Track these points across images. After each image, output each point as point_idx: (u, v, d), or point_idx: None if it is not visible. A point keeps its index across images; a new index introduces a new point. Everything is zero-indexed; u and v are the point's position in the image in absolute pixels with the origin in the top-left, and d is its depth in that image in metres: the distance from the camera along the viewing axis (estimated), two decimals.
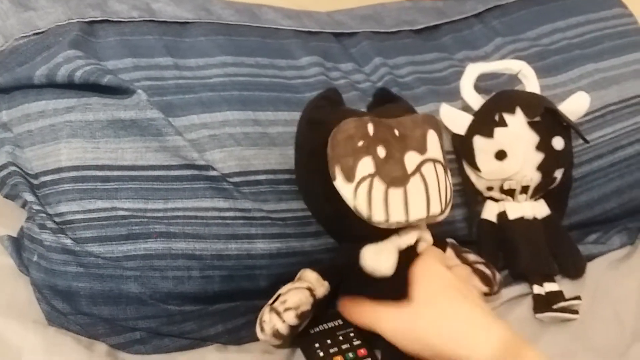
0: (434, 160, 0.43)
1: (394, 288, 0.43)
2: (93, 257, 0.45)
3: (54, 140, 0.47)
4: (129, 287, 0.45)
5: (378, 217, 0.40)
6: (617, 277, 0.56)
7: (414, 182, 0.41)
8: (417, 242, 0.45)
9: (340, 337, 0.47)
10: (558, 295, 0.53)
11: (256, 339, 0.49)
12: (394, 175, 0.41)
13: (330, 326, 0.49)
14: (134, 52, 0.53)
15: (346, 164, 0.40)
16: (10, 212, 0.52)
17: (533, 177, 0.55)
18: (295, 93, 0.56)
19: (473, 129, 0.55)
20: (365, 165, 0.40)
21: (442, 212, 0.43)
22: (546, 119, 0.54)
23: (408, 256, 0.44)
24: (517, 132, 0.54)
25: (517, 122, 0.54)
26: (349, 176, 0.40)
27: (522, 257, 0.54)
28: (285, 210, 0.49)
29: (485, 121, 0.55)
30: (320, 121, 0.44)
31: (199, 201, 0.47)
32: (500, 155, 0.54)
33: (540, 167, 0.54)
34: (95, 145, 0.47)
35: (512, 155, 0.54)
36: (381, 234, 0.43)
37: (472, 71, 0.58)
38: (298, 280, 0.46)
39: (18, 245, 0.49)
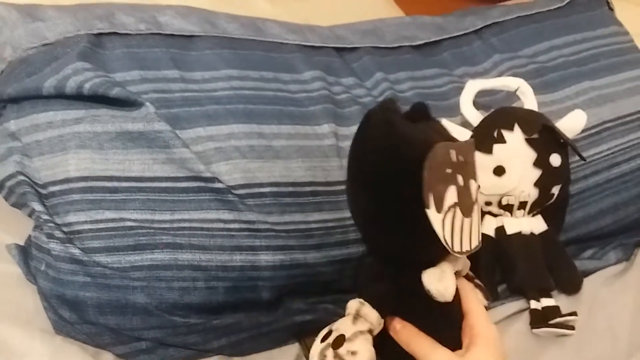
0: (479, 187, 0.42)
1: (450, 318, 0.42)
2: (100, 267, 0.45)
3: (62, 151, 0.48)
4: (136, 298, 0.45)
5: (457, 246, 0.39)
6: (613, 293, 0.57)
7: (475, 212, 0.41)
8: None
9: None
10: (555, 311, 0.54)
11: (258, 351, 0.50)
12: (466, 204, 0.40)
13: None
14: (141, 64, 0.54)
15: (438, 192, 0.38)
16: (17, 220, 0.52)
17: (531, 193, 0.56)
18: (299, 107, 0.57)
19: None
20: (452, 195, 0.39)
21: (479, 243, 0.42)
22: (544, 136, 0.56)
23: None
24: (515, 149, 0.55)
25: (515, 138, 0.55)
26: (439, 206, 0.38)
27: (520, 271, 0.55)
28: (289, 222, 0.50)
29: (484, 137, 0.56)
30: (405, 140, 0.40)
31: (204, 213, 0.48)
32: (499, 171, 0.55)
33: (537, 184, 0.56)
34: (103, 157, 0.48)
35: (510, 171, 0.55)
36: (441, 258, 0.42)
37: (472, 88, 0.59)
38: (358, 317, 0.41)
39: (25, 253, 0.50)
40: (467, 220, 0.40)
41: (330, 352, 0.39)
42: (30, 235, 0.50)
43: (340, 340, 0.40)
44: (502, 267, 0.57)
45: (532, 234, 0.57)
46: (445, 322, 0.42)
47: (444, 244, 0.39)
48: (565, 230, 0.61)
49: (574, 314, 0.53)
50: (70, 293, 0.46)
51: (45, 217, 0.47)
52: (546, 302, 0.55)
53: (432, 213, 0.38)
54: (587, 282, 0.58)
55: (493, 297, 0.56)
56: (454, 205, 0.39)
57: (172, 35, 0.58)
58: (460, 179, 0.40)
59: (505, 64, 0.69)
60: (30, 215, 0.51)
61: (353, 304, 0.42)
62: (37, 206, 0.48)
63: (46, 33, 0.54)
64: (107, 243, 0.46)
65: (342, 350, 0.39)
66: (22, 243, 0.51)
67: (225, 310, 0.49)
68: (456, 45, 0.71)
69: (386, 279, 0.43)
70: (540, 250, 0.57)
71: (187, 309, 0.47)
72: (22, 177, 0.49)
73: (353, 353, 0.39)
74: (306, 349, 0.49)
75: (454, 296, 0.42)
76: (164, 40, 0.57)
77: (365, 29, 0.70)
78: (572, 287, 0.58)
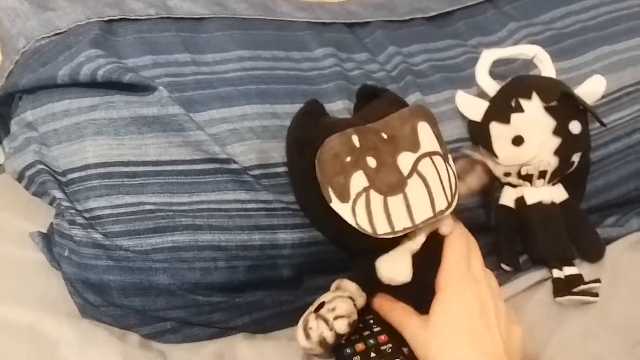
0: (430, 154, 0.41)
1: (417, 294, 0.43)
2: (123, 250, 0.46)
3: (79, 139, 0.48)
4: (159, 279, 0.46)
5: (382, 229, 0.39)
6: (636, 259, 0.57)
7: (413, 184, 0.40)
8: (433, 234, 0.44)
9: (360, 324, 0.47)
10: (578, 279, 0.54)
11: (281, 328, 0.51)
12: (389, 183, 0.39)
13: None
14: (153, 49, 0.54)
15: (337, 183, 0.39)
16: (38, 209, 0.53)
17: (550, 162, 0.55)
18: (311, 85, 0.56)
19: (489, 116, 0.56)
20: (358, 181, 0.39)
21: (450, 205, 0.42)
22: (563, 103, 0.55)
23: (427, 254, 0.43)
24: (533, 117, 0.54)
25: (533, 107, 0.54)
26: (344, 196, 0.39)
27: (541, 241, 0.55)
28: None
29: (502, 107, 0.55)
30: (306, 141, 0.42)
31: (221, 194, 0.48)
32: (518, 140, 0.55)
33: (557, 152, 0.55)
34: (120, 142, 0.48)
35: (529, 140, 0.54)
36: (390, 242, 0.42)
37: (487, 57, 0.58)
38: (338, 289, 0.45)
39: (48, 241, 0.51)
40: (394, 198, 0.39)
41: (312, 316, 0.42)
42: (52, 223, 0.51)
43: (321, 306, 0.43)
44: (523, 238, 0.56)
45: (552, 203, 0.56)
46: (421, 288, 0.42)
47: (363, 230, 0.39)
48: (586, 198, 0.60)
49: (597, 281, 0.53)
50: (95, 277, 0.46)
51: (66, 204, 0.48)
52: (569, 270, 0.54)
53: (336, 205, 0.39)
54: (610, 249, 0.58)
55: (515, 268, 0.56)
56: (365, 190, 0.39)
57: (182, 18, 0.58)
58: (371, 161, 0.39)
59: (521, 31, 0.67)
60: (51, 203, 0.52)
61: (334, 283, 0.45)
62: (58, 194, 0.48)
63: (58, 22, 0.55)
64: (128, 227, 0.46)
65: (322, 311, 0.42)
66: (44, 231, 0.53)
67: (247, 289, 0.49)
68: (470, 15, 0.69)
69: (356, 268, 0.45)
70: (562, 219, 0.56)
71: (210, 288, 0.48)
72: (41, 166, 0.50)
73: (332, 309, 0.41)
74: None
75: (431, 258, 0.42)
76: (174, 24, 0.57)
77: (376, 3, 0.69)
78: (594, 255, 0.57)
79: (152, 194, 0.47)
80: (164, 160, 0.48)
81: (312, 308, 0.43)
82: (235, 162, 0.49)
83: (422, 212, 0.40)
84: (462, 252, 0.43)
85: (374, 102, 0.47)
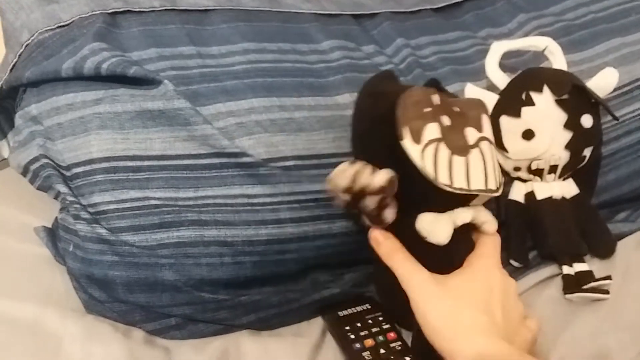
0: (489, 140, 0.44)
1: (442, 260, 0.44)
2: (128, 246, 0.46)
3: (84, 132, 0.48)
4: (164, 275, 0.46)
5: (443, 179, 0.41)
6: None
7: (474, 155, 0.42)
8: (471, 223, 0.45)
9: (370, 321, 0.48)
10: (588, 275, 0.53)
11: (287, 325, 0.50)
12: (457, 144, 0.42)
13: (358, 310, 0.49)
14: (158, 42, 0.53)
15: (415, 126, 0.41)
16: (43, 203, 0.53)
17: (561, 156, 0.54)
18: (318, 77, 0.56)
19: (499, 109, 0.55)
20: (432, 130, 0.41)
21: (498, 189, 0.43)
22: (574, 97, 0.53)
23: (462, 235, 0.44)
24: (544, 111, 0.53)
25: (544, 100, 0.54)
26: (417, 138, 0.41)
27: (551, 237, 0.54)
28: (313, 192, 0.49)
29: (512, 100, 0.54)
30: (383, 92, 0.45)
31: (228, 189, 0.48)
32: (528, 134, 0.54)
33: (568, 146, 0.54)
34: (124, 136, 0.47)
35: (540, 134, 0.53)
36: (440, 203, 0.43)
37: (497, 49, 0.57)
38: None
39: (53, 235, 0.51)
40: (459, 158, 0.41)
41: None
42: (57, 217, 0.51)
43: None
44: (533, 234, 0.56)
45: (563, 198, 0.56)
46: (443, 265, 0.43)
47: (425, 174, 0.40)
48: (597, 193, 0.59)
49: (608, 278, 0.52)
50: (99, 272, 0.46)
51: (71, 198, 0.48)
52: (579, 267, 0.54)
53: (407, 143, 0.41)
54: (621, 245, 0.57)
55: (524, 264, 0.55)
56: (437, 140, 0.41)
57: (187, 10, 0.57)
58: (445, 119, 0.42)
59: (531, 23, 0.66)
60: (56, 198, 0.51)
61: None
62: (62, 188, 0.48)
63: (61, 15, 0.54)
64: (133, 222, 0.46)
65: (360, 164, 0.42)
66: (49, 225, 0.52)
67: (253, 285, 0.49)
68: (479, 6, 0.68)
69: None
70: (572, 214, 0.55)
71: (215, 284, 0.47)
72: (45, 160, 0.50)
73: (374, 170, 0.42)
74: (329, 323, 0.49)
75: (463, 242, 0.44)
76: (178, 16, 0.56)
77: None
78: (605, 251, 0.56)
79: (157, 188, 0.47)
80: (169, 154, 0.48)
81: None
82: (244, 156, 0.48)
83: (477, 182, 0.42)
84: (498, 247, 0.46)
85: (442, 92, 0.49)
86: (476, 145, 0.43)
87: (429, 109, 0.42)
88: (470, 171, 0.42)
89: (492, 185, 0.43)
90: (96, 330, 0.46)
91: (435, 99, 0.42)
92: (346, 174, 0.42)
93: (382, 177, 0.41)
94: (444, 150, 0.41)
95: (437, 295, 0.41)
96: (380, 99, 0.45)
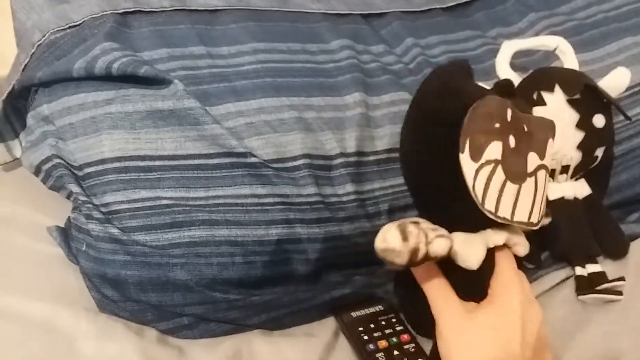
0: (547, 169, 0.42)
1: (469, 282, 0.42)
2: (140, 245, 0.46)
3: (95, 132, 0.48)
4: (176, 274, 0.46)
5: (489, 205, 0.38)
6: None
7: (528, 185, 0.40)
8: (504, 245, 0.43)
9: (383, 322, 0.47)
10: (601, 276, 0.53)
11: (298, 324, 0.50)
12: (515, 170, 0.39)
13: (372, 311, 0.49)
14: (168, 42, 0.53)
15: (478, 141, 0.37)
16: (56, 203, 0.53)
17: (573, 157, 0.54)
18: (327, 77, 0.56)
19: None
20: (494, 150, 0.38)
21: (537, 223, 0.41)
22: (586, 96, 0.53)
23: (489, 254, 0.42)
24: (556, 111, 0.53)
25: (556, 100, 0.53)
26: (476, 155, 0.37)
27: (564, 238, 0.54)
28: (322, 194, 0.49)
29: (523, 101, 0.54)
30: (455, 91, 0.40)
31: (238, 188, 0.48)
32: None
33: (580, 146, 0.53)
34: (135, 136, 0.48)
35: None
36: (476, 225, 0.41)
37: (508, 49, 0.57)
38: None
39: (66, 235, 0.51)
40: (512, 186, 0.38)
41: (411, 224, 0.39)
42: (69, 217, 0.51)
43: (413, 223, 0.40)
44: (545, 234, 0.55)
45: (575, 198, 0.55)
46: (471, 290, 0.41)
47: (473, 196, 0.37)
48: (609, 194, 0.59)
49: (621, 279, 0.52)
50: (112, 272, 0.46)
51: (83, 198, 0.48)
52: (592, 268, 0.53)
53: (465, 158, 0.37)
54: (634, 246, 0.56)
55: (536, 265, 0.55)
56: (495, 162, 0.38)
57: (197, 10, 0.57)
58: (512, 140, 0.38)
59: (541, 22, 0.66)
60: (68, 197, 0.52)
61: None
62: (75, 188, 0.48)
63: (72, 15, 0.54)
64: (145, 222, 0.46)
65: (423, 225, 0.39)
66: (62, 225, 0.52)
67: (264, 286, 0.49)
68: (489, 5, 0.68)
69: None
70: (584, 215, 0.55)
71: (227, 284, 0.47)
72: (58, 160, 0.50)
73: (434, 229, 0.39)
74: (342, 324, 0.49)
75: (488, 273, 0.41)
76: (188, 16, 0.56)
77: None
78: (618, 252, 0.56)
79: (169, 188, 0.47)
80: (180, 154, 0.48)
81: (403, 220, 0.40)
82: (253, 156, 0.48)
83: (522, 215, 0.40)
84: (514, 263, 0.44)
85: (515, 97, 0.45)
86: (533, 173, 0.40)
87: (498, 125, 0.38)
88: (518, 202, 0.39)
89: (534, 219, 0.41)
90: (109, 329, 0.46)
91: (509, 114, 0.39)
92: (402, 255, 0.38)
93: (441, 248, 0.38)
94: (499, 174, 0.38)
95: (464, 331, 0.40)
96: (450, 99, 0.40)
